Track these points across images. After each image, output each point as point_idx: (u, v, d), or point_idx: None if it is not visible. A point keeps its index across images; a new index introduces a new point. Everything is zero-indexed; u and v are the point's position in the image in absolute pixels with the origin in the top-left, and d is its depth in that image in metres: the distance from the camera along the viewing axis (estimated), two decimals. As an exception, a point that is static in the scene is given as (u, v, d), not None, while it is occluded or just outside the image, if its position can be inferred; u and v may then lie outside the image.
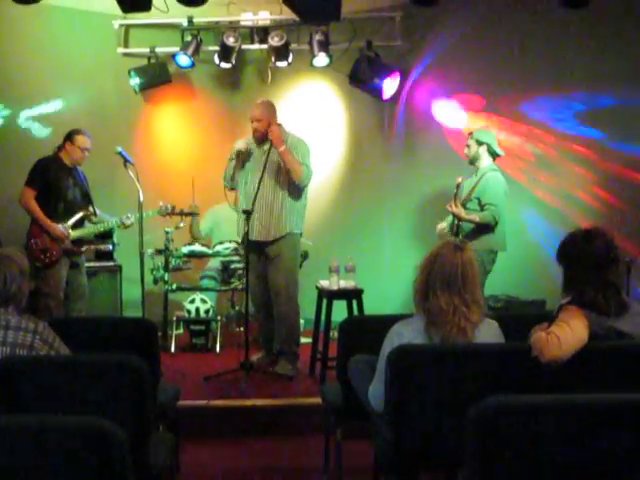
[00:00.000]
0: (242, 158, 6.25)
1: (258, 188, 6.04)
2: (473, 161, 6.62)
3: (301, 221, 6.33)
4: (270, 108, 6.27)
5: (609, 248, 3.36)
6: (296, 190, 6.22)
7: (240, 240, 6.38)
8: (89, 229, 6.68)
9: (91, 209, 6.67)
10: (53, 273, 6.41)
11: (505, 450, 2.40)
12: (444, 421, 3.27)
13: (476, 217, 6.38)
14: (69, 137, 6.52)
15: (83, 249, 6.71)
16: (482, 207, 6.40)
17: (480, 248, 6.28)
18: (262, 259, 6.30)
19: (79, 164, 6.61)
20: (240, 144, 6.22)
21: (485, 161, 6.58)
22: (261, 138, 6.21)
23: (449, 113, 8.16)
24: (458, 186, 6.40)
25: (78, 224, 6.58)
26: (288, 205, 6.20)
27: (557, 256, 3.53)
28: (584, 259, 3.36)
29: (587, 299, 3.31)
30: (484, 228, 6.39)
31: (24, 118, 8.00)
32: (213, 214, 7.87)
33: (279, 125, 6.17)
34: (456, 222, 6.42)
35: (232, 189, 6.46)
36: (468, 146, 6.63)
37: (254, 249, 6.20)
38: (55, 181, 6.46)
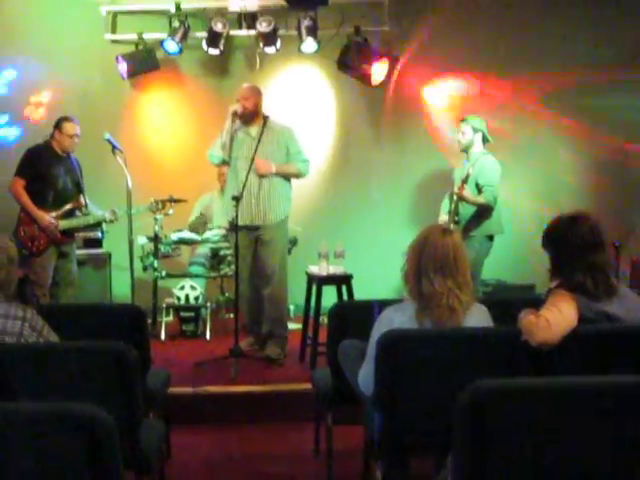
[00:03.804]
0: (235, 121, 6.14)
1: (249, 174, 6.02)
2: (467, 149, 6.57)
3: (289, 206, 6.32)
4: (257, 92, 6.25)
5: (594, 232, 3.38)
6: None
7: (228, 226, 6.30)
8: (78, 220, 6.59)
9: (82, 200, 6.61)
10: (41, 262, 6.37)
11: (494, 435, 2.41)
12: (434, 406, 3.26)
13: (481, 198, 6.34)
14: (57, 125, 6.46)
15: (73, 238, 6.67)
16: (479, 190, 6.35)
17: (479, 234, 6.29)
18: (252, 244, 6.26)
19: (70, 151, 6.53)
20: (235, 106, 6.09)
21: (477, 147, 6.52)
22: (248, 117, 6.17)
23: (438, 98, 8.16)
24: (468, 175, 6.31)
25: (68, 214, 6.52)
26: (280, 190, 6.19)
27: (543, 242, 3.54)
28: (570, 244, 3.37)
29: (575, 283, 3.32)
30: (484, 212, 6.35)
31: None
32: (200, 205, 7.84)
33: (266, 117, 6.18)
34: (453, 209, 6.36)
35: (223, 164, 6.34)
36: (463, 133, 6.53)
37: (244, 234, 6.15)
38: (45, 169, 6.38)
